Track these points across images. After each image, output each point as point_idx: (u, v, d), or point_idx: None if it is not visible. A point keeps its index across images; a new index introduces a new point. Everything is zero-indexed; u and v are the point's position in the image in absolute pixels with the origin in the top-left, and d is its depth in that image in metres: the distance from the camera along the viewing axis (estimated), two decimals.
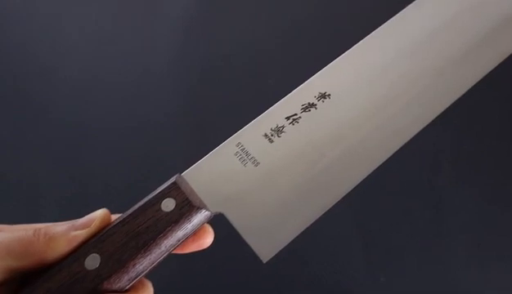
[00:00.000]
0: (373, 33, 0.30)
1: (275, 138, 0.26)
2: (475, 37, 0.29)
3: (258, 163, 0.26)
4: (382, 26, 0.30)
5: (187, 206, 0.24)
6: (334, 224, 0.31)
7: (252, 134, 0.27)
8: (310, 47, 0.31)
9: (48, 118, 0.36)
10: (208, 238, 0.25)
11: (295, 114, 0.27)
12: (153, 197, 0.24)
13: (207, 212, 0.24)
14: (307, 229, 0.25)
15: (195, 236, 0.24)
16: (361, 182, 0.30)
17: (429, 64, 0.28)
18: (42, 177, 0.33)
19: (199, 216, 0.24)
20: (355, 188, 0.27)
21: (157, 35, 0.39)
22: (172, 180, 0.25)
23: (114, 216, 0.24)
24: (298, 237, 0.25)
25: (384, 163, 0.31)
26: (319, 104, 0.27)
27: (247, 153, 0.26)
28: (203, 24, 0.39)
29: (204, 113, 0.34)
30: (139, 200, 0.24)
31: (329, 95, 0.27)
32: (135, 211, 0.24)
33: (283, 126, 0.27)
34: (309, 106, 0.27)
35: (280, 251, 0.24)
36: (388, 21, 0.30)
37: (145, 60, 0.38)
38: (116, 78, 0.37)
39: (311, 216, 0.25)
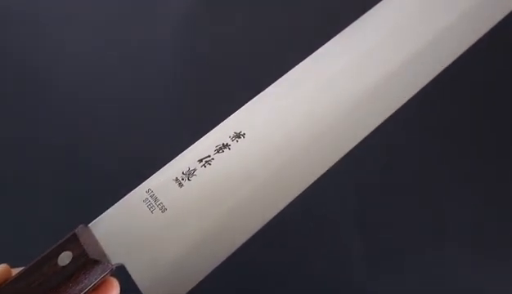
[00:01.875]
0: (292, 70, 0.29)
1: (185, 182, 0.25)
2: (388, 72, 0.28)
3: (166, 209, 0.24)
4: (302, 62, 0.30)
5: (84, 259, 0.22)
6: (334, 224, 0.31)
7: (162, 179, 0.26)
8: (310, 47, 0.31)
9: (48, 116, 0.36)
10: (112, 292, 0.23)
11: (208, 156, 0.26)
12: (50, 251, 0.23)
13: (107, 265, 0.23)
14: (307, 228, 0.26)
15: (98, 290, 0.23)
16: (361, 182, 0.30)
17: (344, 98, 0.27)
18: (42, 176, 0.34)
19: (98, 270, 0.22)
20: (355, 188, 0.28)
21: (157, 34, 0.39)
22: (73, 232, 0.24)
23: (17, 270, 0.23)
24: (297, 236, 0.27)
25: (383, 164, 0.31)
26: (233, 144, 0.26)
27: (156, 199, 0.25)
28: (202, 23, 0.39)
29: (204, 113, 0.34)
30: None
31: (243, 134, 0.27)
32: (31, 267, 0.22)
33: (194, 170, 0.26)
34: (223, 147, 0.26)
35: (280, 251, 0.25)
36: (309, 57, 0.30)
37: (144, 60, 0.38)
38: (116, 78, 0.37)
39: (215, 261, 0.24)
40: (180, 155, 0.27)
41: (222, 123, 0.28)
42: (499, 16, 0.30)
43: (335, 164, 0.27)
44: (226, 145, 0.26)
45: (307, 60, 0.29)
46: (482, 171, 0.33)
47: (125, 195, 0.26)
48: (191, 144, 0.27)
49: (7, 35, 0.40)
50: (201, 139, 0.27)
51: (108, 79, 0.37)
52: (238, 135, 0.27)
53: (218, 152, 0.26)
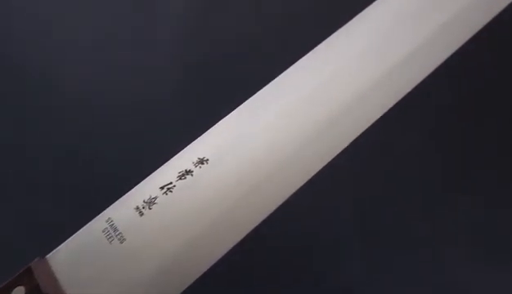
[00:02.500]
0: (258, 92, 0.29)
1: (146, 210, 0.25)
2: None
3: (124, 240, 0.24)
4: (268, 85, 0.29)
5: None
6: (334, 224, 0.31)
7: (123, 208, 0.25)
8: (310, 47, 0.31)
9: (47, 115, 0.36)
10: None
11: (170, 183, 0.25)
12: (3, 286, 0.22)
13: None
14: (307, 228, 0.27)
15: None
16: (361, 182, 0.30)
17: (308, 125, 0.26)
18: (41, 176, 0.34)
19: None
20: (355, 188, 0.28)
21: (156, 34, 0.39)
22: (28, 265, 0.23)
23: None
24: (297, 236, 0.27)
25: (383, 164, 0.31)
26: (196, 170, 0.26)
27: (115, 229, 0.24)
28: (202, 23, 0.40)
29: (204, 113, 0.32)
30: None
31: (207, 160, 0.26)
32: None
33: (156, 198, 0.25)
34: (186, 173, 0.26)
35: (280, 252, 0.25)
36: (275, 79, 0.29)
37: (144, 59, 0.38)
38: (115, 78, 0.37)
39: (174, 292, 0.23)
40: (143, 182, 0.26)
41: (185, 148, 0.27)
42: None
43: (335, 164, 0.27)
44: (188, 172, 0.26)
45: (275, 82, 0.29)
46: (483, 171, 0.33)
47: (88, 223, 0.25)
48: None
49: (7, 34, 0.40)
50: (164, 164, 0.27)
51: (108, 80, 0.38)
52: (201, 161, 0.26)
53: (181, 179, 0.25)
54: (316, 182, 0.26)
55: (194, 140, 0.28)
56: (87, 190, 0.33)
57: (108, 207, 0.26)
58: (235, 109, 0.28)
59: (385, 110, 0.27)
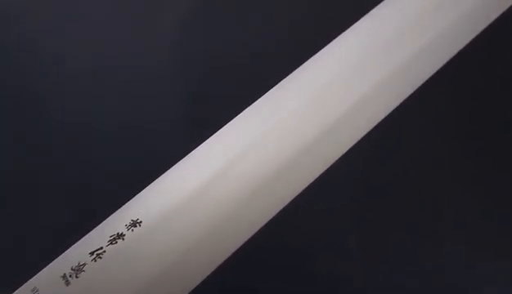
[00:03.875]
0: (196, 149, 0.28)
1: (72, 279, 0.24)
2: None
3: None
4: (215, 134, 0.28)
5: None
6: (334, 224, 0.30)
7: (50, 276, 0.24)
8: (310, 46, 0.31)
9: (47, 116, 0.35)
10: None
11: (100, 248, 0.24)
12: None
13: None
14: (307, 228, 0.28)
15: None
16: (362, 183, 0.31)
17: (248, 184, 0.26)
18: (41, 176, 0.33)
19: None
20: (355, 189, 0.29)
21: (156, 34, 0.39)
22: None
23: None
24: (297, 236, 0.28)
25: (384, 164, 0.31)
26: (128, 234, 0.25)
27: None
28: (203, 24, 0.39)
29: (203, 112, 0.34)
30: None
31: (140, 222, 0.25)
32: None
33: (84, 264, 0.24)
34: (117, 237, 0.25)
35: (279, 251, 0.27)
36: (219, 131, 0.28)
37: (144, 59, 0.38)
38: (115, 77, 0.37)
39: None
40: (73, 246, 0.25)
41: (120, 209, 0.26)
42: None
43: (334, 164, 0.28)
44: (120, 235, 0.25)
45: (221, 132, 0.28)
46: (483, 170, 0.33)
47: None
48: (192, 143, 0.28)
49: (7, 34, 0.40)
50: (97, 227, 0.26)
51: (108, 78, 0.37)
52: (134, 224, 0.25)
53: (112, 243, 0.24)
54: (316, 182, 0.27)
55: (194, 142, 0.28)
56: (85, 194, 0.32)
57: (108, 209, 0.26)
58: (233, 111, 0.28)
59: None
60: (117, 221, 0.25)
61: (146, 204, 0.26)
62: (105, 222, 0.26)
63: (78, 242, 0.25)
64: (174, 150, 0.28)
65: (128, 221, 0.25)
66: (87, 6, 0.41)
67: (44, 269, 0.24)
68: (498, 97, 0.35)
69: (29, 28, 0.39)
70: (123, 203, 0.26)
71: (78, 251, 0.25)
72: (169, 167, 0.27)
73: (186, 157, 0.27)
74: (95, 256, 0.24)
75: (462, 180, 0.32)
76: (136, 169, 0.31)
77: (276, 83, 0.30)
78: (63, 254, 0.25)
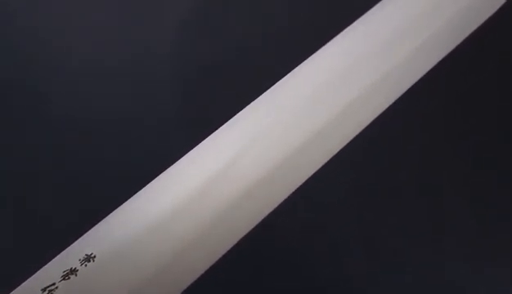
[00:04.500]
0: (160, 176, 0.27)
1: None
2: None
3: None
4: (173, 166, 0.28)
5: None
6: (334, 224, 0.30)
7: None
8: (311, 46, 0.31)
9: (47, 116, 0.35)
10: None
11: (53, 284, 0.24)
12: None
13: None
14: (306, 227, 0.28)
15: None
16: (362, 182, 0.31)
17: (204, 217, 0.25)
18: (41, 176, 0.33)
19: None
20: (355, 188, 0.29)
21: (156, 34, 0.39)
22: None
23: None
24: (297, 236, 0.28)
25: (383, 165, 0.32)
26: (81, 269, 0.24)
27: None
28: (202, 23, 0.40)
29: (203, 112, 0.34)
30: None
31: (94, 257, 0.24)
32: None
33: None
34: (70, 272, 0.24)
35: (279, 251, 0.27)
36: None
37: (143, 59, 0.38)
38: (115, 78, 0.37)
39: None
40: (26, 281, 0.25)
41: (75, 242, 0.26)
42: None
43: (333, 164, 0.28)
44: (73, 271, 0.24)
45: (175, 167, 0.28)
46: (481, 172, 0.33)
47: None
48: (191, 143, 0.28)
49: (7, 34, 0.40)
50: (51, 261, 0.25)
51: (108, 78, 0.37)
52: (88, 259, 0.24)
53: (64, 279, 0.24)
54: (315, 182, 0.27)
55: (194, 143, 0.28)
56: (85, 194, 0.32)
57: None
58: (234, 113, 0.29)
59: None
60: (71, 255, 0.25)
61: (100, 238, 0.25)
62: (59, 256, 0.25)
63: (32, 277, 0.25)
64: (173, 149, 0.28)
65: (82, 256, 0.25)
66: (86, 6, 0.41)
67: None
68: (491, 97, 0.36)
69: (27, 29, 0.39)
70: (122, 203, 0.27)
71: (30, 286, 0.24)
72: (167, 167, 0.27)
73: (145, 189, 0.27)
74: (47, 292, 0.24)
75: (462, 180, 0.33)
76: (134, 168, 0.31)
77: (280, 70, 0.31)
78: (14, 290, 0.24)
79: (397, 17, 0.31)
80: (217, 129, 0.29)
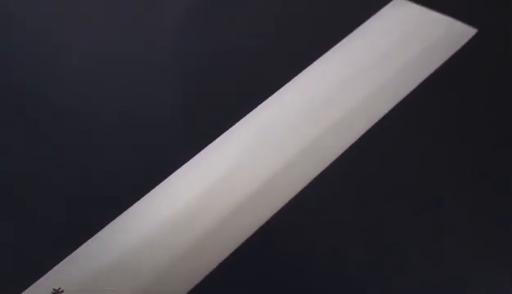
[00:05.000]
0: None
1: None
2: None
3: None
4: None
5: None
6: (334, 224, 0.30)
7: None
8: (311, 46, 0.32)
9: (47, 116, 0.35)
10: None
11: None
12: None
13: None
14: (307, 227, 0.28)
15: None
16: (362, 183, 0.31)
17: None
18: (42, 179, 0.32)
19: None
20: (355, 188, 0.30)
21: (156, 34, 0.39)
22: None
23: None
24: (297, 236, 0.28)
25: (384, 165, 0.31)
26: None
27: None
28: (203, 23, 0.39)
29: (203, 112, 0.34)
30: None
31: (62, 291, 0.24)
32: None
33: None
34: None
35: (279, 251, 0.27)
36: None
37: (143, 59, 0.37)
38: (115, 78, 0.37)
39: None
40: None
41: (44, 276, 0.25)
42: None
43: (333, 164, 0.29)
44: None
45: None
46: (481, 172, 0.33)
47: None
48: (191, 143, 0.28)
49: (7, 34, 0.40)
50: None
51: (108, 78, 0.37)
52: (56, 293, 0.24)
53: None
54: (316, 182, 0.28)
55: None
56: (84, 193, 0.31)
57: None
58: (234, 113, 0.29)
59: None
60: (40, 289, 0.24)
61: (70, 272, 0.25)
62: (30, 288, 0.25)
63: None
64: (173, 151, 0.28)
65: (50, 291, 0.24)
66: (86, 5, 0.40)
67: None
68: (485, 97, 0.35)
69: (26, 29, 0.39)
70: (121, 202, 0.27)
71: None
72: (167, 167, 0.28)
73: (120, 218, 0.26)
74: None
75: (461, 179, 0.32)
76: (134, 170, 0.31)
77: (275, 82, 0.31)
78: None
79: (392, 31, 0.31)
80: (217, 131, 0.29)
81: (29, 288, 0.25)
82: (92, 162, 0.32)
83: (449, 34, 0.32)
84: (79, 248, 0.25)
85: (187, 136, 0.32)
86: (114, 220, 0.27)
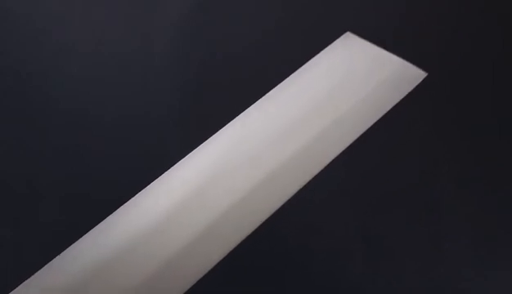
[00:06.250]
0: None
1: None
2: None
3: None
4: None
5: None
6: (334, 224, 0.30)
7: None
8: (311, 46, 0.32)
9: (47, 116, 0.35)
10: None
11: None
12: None
13: None
14: (306, 227, 0.28)
15: None
16: (362, 183, 0.31)
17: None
18: (41, 176, 0.32)
19: None
20: (356, 188, 0.30)
21: (156, 34, 0.39)
22: None
23: None
24: (297, 236, 0.28)
25: (383, 165, 0.32)
26: None
27: None
28: (202, 23, 0.39)
29: (202, 112, 0.34)
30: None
31: None
32: None
33: None
34: None
35: (279, 251, 0.27)
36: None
37: (143, 59, 0.37)
38: (115, 77, 0.37)
39: None
40: None
41: (34, 275, 0.24)
42: None
43: (332, 164, 0.29)
44: None
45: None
46: (481, 172, 0.33)
47: None
48: (191, 143, 0.28)
49: (7, 34, 0.40)
50: None
51: (108, 78, 0.37)
52: None
53: None
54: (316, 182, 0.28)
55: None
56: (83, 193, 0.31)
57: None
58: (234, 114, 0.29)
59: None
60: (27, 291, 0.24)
61: (61, 271, 0.24)
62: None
63: None
64: (172, 148, 0.28)
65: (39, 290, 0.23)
66: (86, 5, 0.40)
67: None
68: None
69: (26, 29, 0.39)
70: (121, 203, 0.27)
71: None
72: (167, 167, 0.28)
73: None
74: None
75: (462, 180, 0.32)
76: (133, 168, 0.30)
77: (275, 82, 0.31)
78: None
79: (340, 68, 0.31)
80: (216, 128, 0.29)
81: (18, 288, 0.24)
82: (83, 161, 0.32)
83: (399, 75, 0.32)
84: (70, 247, 0.25)
85: (183, 135, 0.32)
86: (107, 218, 0.26)
